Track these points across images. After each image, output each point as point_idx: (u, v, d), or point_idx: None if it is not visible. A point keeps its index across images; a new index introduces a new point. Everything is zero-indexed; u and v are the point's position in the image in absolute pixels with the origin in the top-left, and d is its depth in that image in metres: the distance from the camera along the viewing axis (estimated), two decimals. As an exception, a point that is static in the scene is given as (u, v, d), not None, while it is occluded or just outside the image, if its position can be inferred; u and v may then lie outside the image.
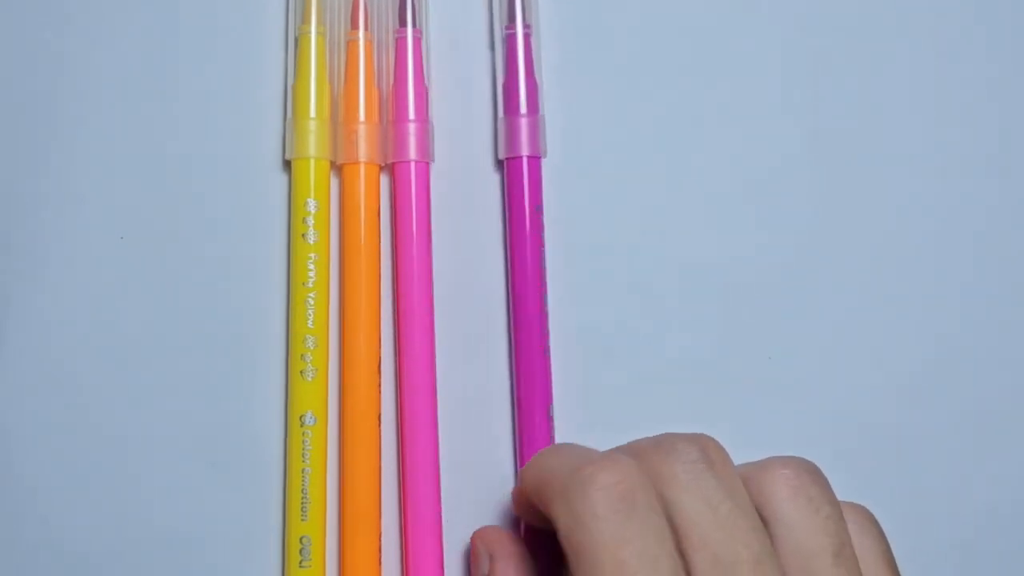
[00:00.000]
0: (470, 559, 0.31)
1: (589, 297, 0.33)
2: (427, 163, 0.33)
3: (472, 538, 0.31)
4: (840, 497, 0.27)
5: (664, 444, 0.26)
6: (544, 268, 0.33)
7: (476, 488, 0.32)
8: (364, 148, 0.33)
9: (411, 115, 0.33)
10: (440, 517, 0.32)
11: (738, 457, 0.27)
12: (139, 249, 0.33)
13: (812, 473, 0.27)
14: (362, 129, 0.33)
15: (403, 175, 0.33)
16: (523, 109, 0.33)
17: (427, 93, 0.33)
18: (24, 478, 0.32)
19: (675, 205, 0.34)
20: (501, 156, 0.33)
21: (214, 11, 0.34)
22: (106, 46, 0.34)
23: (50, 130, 0.33)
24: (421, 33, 0.33)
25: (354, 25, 0.33)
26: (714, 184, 0.34)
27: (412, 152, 0.33)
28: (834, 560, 0.25)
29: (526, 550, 0.30)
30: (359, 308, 0.32)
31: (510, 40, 0.33)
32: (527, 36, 0.33)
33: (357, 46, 0.33)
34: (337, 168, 0.33)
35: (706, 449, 0.26)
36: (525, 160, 0.33)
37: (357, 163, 0.33)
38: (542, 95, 0.33)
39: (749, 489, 0.26)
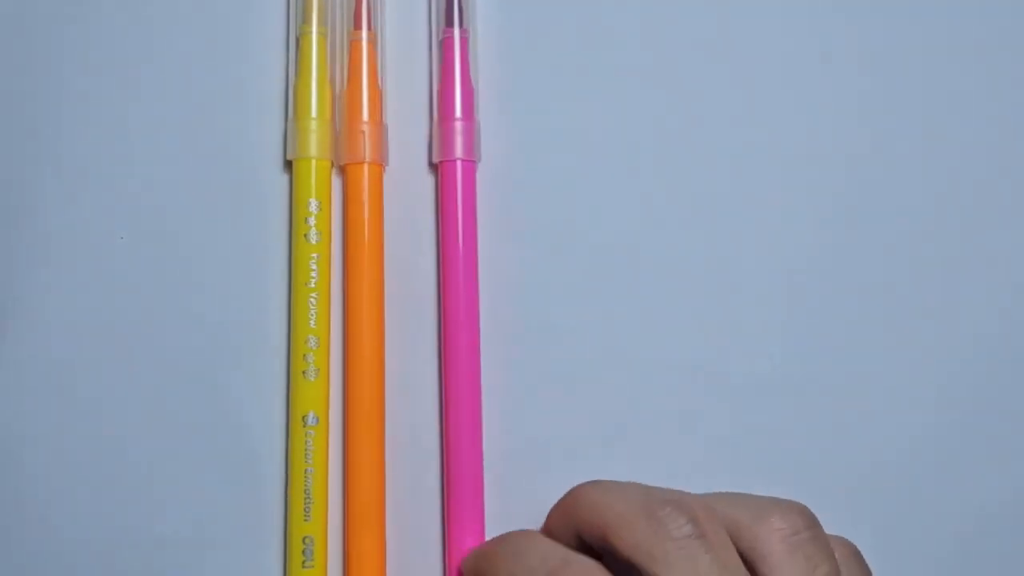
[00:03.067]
0: None
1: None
2: (473, 162, 0.33)
3: None
4: (840, 510, 0.26)
5: (654, 515, 0.26)
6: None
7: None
8: (368, 148, 0.33)
9: (457, 114, 0.33)
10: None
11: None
12: (139, 249, 0.33)
13: (809, 526, 0.26)
14: (366, 129, 0.33)
15: (449, 174, 0.33)
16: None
17: (474, 92, 0.33)
18: (25, 478, 0.32)
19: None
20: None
21: (214, 11, 0.34)
22: (106, 46, 0.33)
23: (50, 130, 0.33)
24: (468, 33, 0.33)
25: (357, 25, 0.33)
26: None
27: (459, 151, 0.33)
28: None
29: None
30: (362, 308, 0.32)
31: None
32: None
33: (360, 46, 0.33)
34: (340, 168, 0.33)
35: (696, 520, 0.26)
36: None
37: (361, 163, 0.33)
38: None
39: (741, 543, 0.26)
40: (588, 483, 0.28)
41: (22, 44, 0.33)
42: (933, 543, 0.33)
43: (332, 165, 0.33)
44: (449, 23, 0.33)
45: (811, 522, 0.27)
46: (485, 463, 0.32)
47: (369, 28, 0.33)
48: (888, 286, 0.34)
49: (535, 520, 0.31)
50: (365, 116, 0.33)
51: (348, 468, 0.32)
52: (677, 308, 0.34)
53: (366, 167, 0.33)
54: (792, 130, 0.35)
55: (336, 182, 0.33)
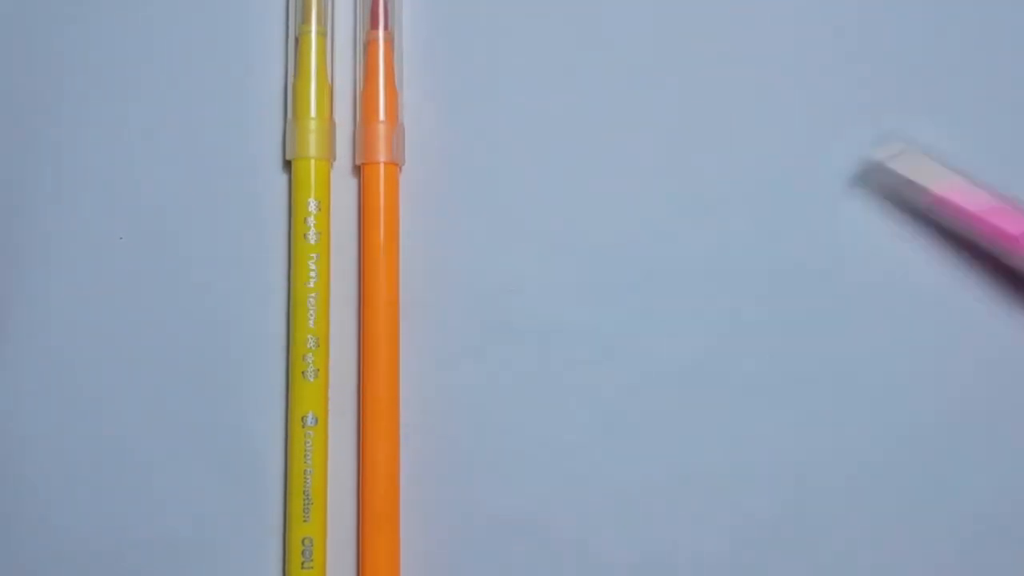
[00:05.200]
0: None
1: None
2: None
3: None
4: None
5: None
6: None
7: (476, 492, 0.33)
8: (383, 148, 0.33)
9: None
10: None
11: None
12: (139, 249, 0.33)
13: None
14: (382, 128, 0.33)
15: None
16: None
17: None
18: (24, 478, 0.32)
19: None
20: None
21: (213, 11, 0.34)
22: (106, 46, 0.33)
23: (50, 130, 0.33)
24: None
25: (374, 24, 0.33)
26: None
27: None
28: None
29: None
30: (378, 308, 0.32)
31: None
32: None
33: (377, 45, 0.33)
34: (356, 168, 0.33)
35: None
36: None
37: (377, 163, 0.33)
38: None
39: None
40: None
41: (22, 44, 0.33)
42: (933, 542, 0.33)
43: (331, 165, 0.33)
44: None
45: None
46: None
47: (386, 27, 0.33)
48: (887, 285, 0.34)
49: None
50: (382, 116, 0.33)
51: (365, 468, 0.32)
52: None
53: (381, 167, 0.33)
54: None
55: (339, 183, 0.33)
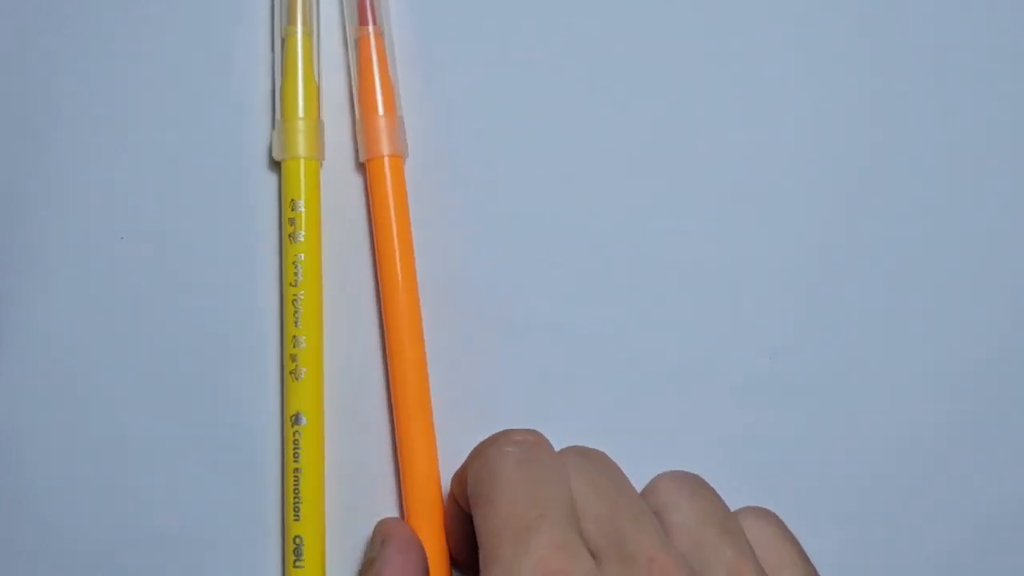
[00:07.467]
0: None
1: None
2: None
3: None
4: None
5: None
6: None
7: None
8: (386, 141, 0.33)
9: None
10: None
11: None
12: (136, 250, 0.33)
13: (698, 480, 0.28)
14: (382, 122, 0.33)
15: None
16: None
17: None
18: (22, 478, 0.33)
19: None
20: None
21: (200, 14, 0.34)
22: (98, 47, 0.34)
23: (44, 130, 0.33)
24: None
25: (363, 20, 0.33)
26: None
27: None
28: (720, 531, 0.26)
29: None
30: (399, 303, 0.32)
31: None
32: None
33: (368, 41, 0.33)
34: (360, 165, 0.33)
35: (599, 461, 0.28)
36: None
37: (381, 157, 0.33)
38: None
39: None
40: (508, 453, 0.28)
41: (19, 45, 0.34)
42: (933, 543, 0.32)
43: (320, 164, 0.33)
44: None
45: (701, 480, 0.29)
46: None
47: (375, 23, 0.33)
48: (887, 285, 0.33)
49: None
50: (381, 110, 0.33)
51: (404, 462, 0.32)
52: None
53: (386, 160, 0.33)
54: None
55: (340, 183, 0.34)
